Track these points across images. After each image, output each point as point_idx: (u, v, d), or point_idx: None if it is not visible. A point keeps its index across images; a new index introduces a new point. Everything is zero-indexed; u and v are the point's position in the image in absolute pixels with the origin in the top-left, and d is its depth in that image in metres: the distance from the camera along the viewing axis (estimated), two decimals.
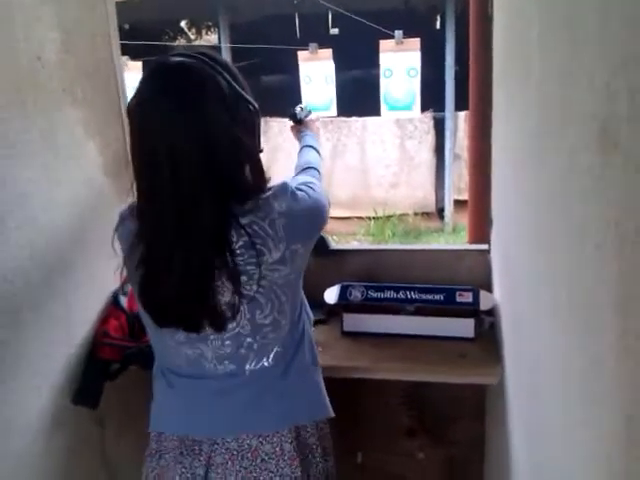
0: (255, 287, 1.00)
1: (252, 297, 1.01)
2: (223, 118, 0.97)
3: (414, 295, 1.51)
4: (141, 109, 0.97)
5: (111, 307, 1.51)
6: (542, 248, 0.84)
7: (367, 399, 1.84)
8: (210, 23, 11.68)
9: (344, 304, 1.55)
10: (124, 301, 1.51)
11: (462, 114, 7.97)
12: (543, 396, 0.86)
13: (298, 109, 1.65)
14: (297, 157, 1.44)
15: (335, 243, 1.84)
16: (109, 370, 1.45)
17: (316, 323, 1.66)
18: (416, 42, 6.02)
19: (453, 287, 1.53)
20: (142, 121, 0.97)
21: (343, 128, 8.25)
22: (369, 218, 8.27)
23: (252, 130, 1.05)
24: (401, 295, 1.52)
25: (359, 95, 8.00)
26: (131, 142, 0.99)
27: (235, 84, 1.01)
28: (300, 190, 1.05)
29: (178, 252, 0.96)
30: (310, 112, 1.70)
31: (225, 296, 0.99)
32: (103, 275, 1.50)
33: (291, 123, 1.66)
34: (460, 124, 8.03)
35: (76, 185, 1.48)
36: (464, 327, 1.50)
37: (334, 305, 1.57)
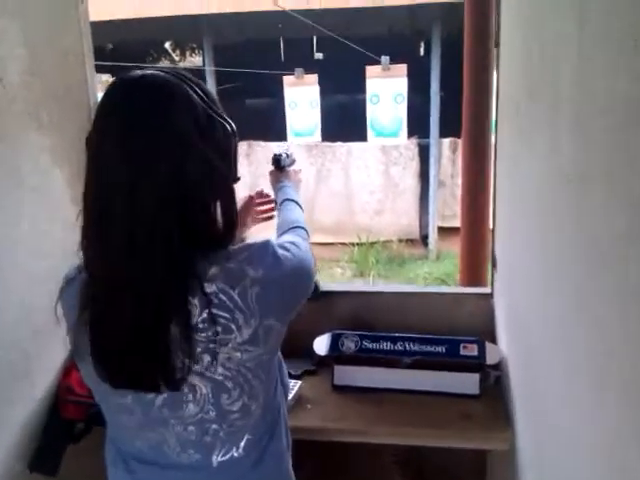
0: (220, 370, 0.84)
1: (216, 380, 0.85)
2: (192, 136, 0.83)
3: (413, 347, 1.37)
4: (94, 130, 0.83)
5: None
6: (559, 294, 0.72)
7: (359, 460, 1.68)
8: (194, 45, 11.63)
9: (336, 355, 1.41)
10: None
11: (446, 141, 7.96)
12: (566, 468, 0.72)
13: (284, 155, 1.48)
14: (279, 213, 1.29)
15: (323, 283, 1.70)
16: (72, 431, 1.28)
17: (304, 374, 1.52)
18: (403, 68, 6.01)
19: (456, 338, 1.39)
20: (96, 147, 0.83)
21: (327, 153, 8.18)
22: (353, 244, 8.16)
23: (227, 154, 0.90)
24: (399, 347, 1.37)
25: (344, 120, 7.96)
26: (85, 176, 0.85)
27: (208, 100, 0.88)
28: (283, 249, 0.90)
29: (128, 296, 0.81)
30: (294, 161, 1.54)
31: (180, 357, 0.84)
32: None
33: (271, 167, 1.49)
34: (444, 151, 8.01)
35: (40, 219, 1.33)
36: (468, 383, 1.36)
37: (325, 356, 1.42)
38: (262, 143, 8.04)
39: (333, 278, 7.64)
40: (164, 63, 11.75)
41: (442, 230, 8.20)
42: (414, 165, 8.05)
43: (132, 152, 0.80)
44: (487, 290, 1.58)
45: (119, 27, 7.67)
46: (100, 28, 7.44)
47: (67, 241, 1.37)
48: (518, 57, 1.12)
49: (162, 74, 0.86)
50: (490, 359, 1.35)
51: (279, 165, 1.45)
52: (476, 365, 1.36)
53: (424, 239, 8.33)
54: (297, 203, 1.31)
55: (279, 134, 7.22)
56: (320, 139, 6.86)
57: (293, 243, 0.94)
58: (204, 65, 8.96)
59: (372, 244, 8.10)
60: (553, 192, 0.84)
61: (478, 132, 2.61)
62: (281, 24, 7.92)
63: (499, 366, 1.41)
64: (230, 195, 0.90)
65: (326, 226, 8.05)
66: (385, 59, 5.18)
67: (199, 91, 0.87)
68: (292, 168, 1.50)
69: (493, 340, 1.54)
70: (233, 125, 0.92)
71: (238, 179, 0.94)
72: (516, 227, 1.23)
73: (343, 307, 1.63)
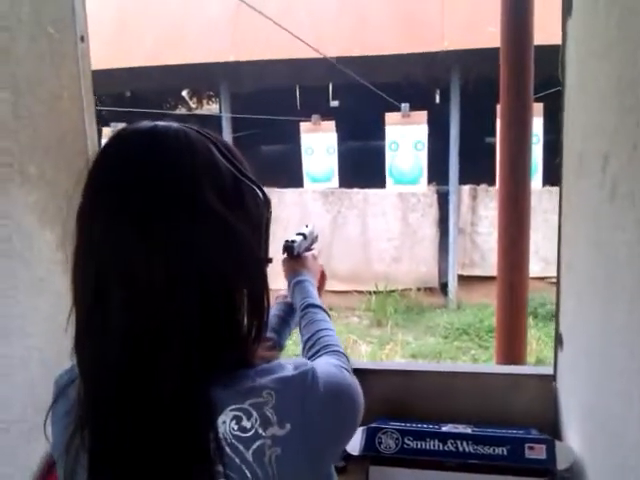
0: None
1: None
2: (217, 204, 0.64)
3: (468, 447, 1.12)
4: (82, 207, 0.64)
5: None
6: None
7: None
8: (211, 93, 11.73)
9: (372, 456, 1.16)
10: None
11: (466, 188, 7.79)
12: None
13: (299, 238, 1.21)
14: (303, 324, 1.04)
15: (352, 359, 1.47)
16: None
17: None
18: (423, 115, 5.90)
19: (519, 436, 1.15)
20: (86, 227, 0.63)
21: (344, 200, 8.04)
22: (370, 293, 7.92)
23: (258, 228, 0.71)
24: (449, 446, 1.13)
25: (361, 167, 7.86)
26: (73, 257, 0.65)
27: (235, 162, 0.69)
28: (330, 381, 0.67)
29: (129, 427, 0.61)
30: (316, 239, 1.29)
31: None
32: None
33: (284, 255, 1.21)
34: (464, 198, 7.83)
35: (23, 289, 1.13)
36: None
37: (358, 456, 1.18)
38: (277, 189, 7.93)
39: (349, 327, 7.39)
40: (181, 110, 11.85)
41: (461, 279, 7.95)
42: (433, 212, 7.87)
43: (141, 227, 0.62)
44: (549, 371, 1.34)
45: (137, 74, 7.72)
46: (119, 75, 7.51)
47: (56, 318, 1.18)
48: (603, 96, 0.92)
49: (175, 126, 0.67)
50: (561, 463, 1.10)
51: (292, 253, 1.19)
52: (543, 470, 1.11)
53: (443, 288, 8.07)
54: (324, 310, 1.06)
55: (296, 180, 7.11)
56: (337, 185, 6.73)
57: (336, 366, 0.73)
58: (221, 112, 8.96)
59: (390, 292, 7.87)
60: None
61: (517, 184, 2.41)
62: (297, 72, 7.90)
63: (570, 469, 1.16)
64: (263, 280, 0.69)
65: (342, 274, 7.85)
66: (405, 106, 5.06)
67: (223, 149, 0.69)
68: (311, 252, 1.25)
69: (556, 432, 1.29)
70: (266, 193, 0.72)
71: (270, 260, 0.74)
72: (595, 299, 1.01)
73: (377, 389, 1.39)
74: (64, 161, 1.24)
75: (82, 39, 1.30)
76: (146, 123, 0.67)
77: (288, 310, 1.19)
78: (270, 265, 0.75)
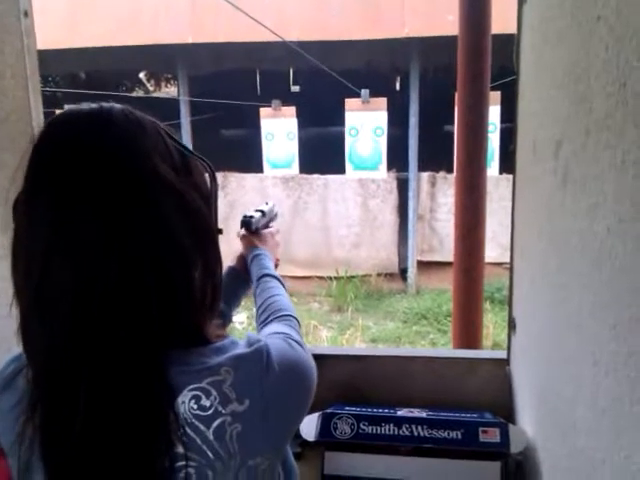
0: None
1: None
2: (174, 182, 0.63)
3: (422, 432, 1.13)
4: (28, 185, 0.61)
5: None
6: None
7: None
8: (169, 75, 11.47)
9: (327, 441, 1.16)
10: None
11: (425, 175, 7.87)
12: None
13: (257, 214, 1.22)
14: (257, 291, 1.06)
15: (308, 346, 1.46)
16: None
17: None
18: (383, 101, 5.92)
19: (473, 419, 1.16)
20: (31, 206, 0.61)
21: (304, 185, 8.02)
22: (330, 278, 7.96)
23: (208, 199, 0.72)
24: (405, 431, 1.13)
25: (321, 153, 7.84)
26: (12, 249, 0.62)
27: (175, 137, 0.69)
28: (280, 354, 0.67)
29: (83, 410, 0.59)
30: (275, 216, 1.30)
31: None
32: None
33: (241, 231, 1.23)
34: (423, 185, 7.91)
35: None
36: (487, 473, 1.13)
37: (314, 442, 1.17)
38: (237, 174, 7.85)
39: (310, 313, 7.41)
40: (138, 93, 11.57)
41: (420, 264, 8.06)
42: (392, 198, 7.93)
43: (96, 204, 0.60)
44: (502, 355, 1.36)
45: (91, 55, 7.48)
46: (73, 55, 7.25)
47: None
48: (556, 84, 0.92)
49: (121, 105, 0.66)
50: (515, 447, 1.12)
51: (250, 229, 1.20)
52: (498, 453, 1.13)
53: (403, 273, 8.17)
54: (278, 279, 1.08)
55: (255, 165, 7.04)
56: (298, 171, 6.70)
57: (288, 340, 0.72)
58: (179, 95, 8.78)
59: (350, 278, 7.91)
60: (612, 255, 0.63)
61: (473, 171, 2.44)
62: (257, 55, 7.80)
63: (523, 452, 1.18)
64: (217, 251, 0.70)
65: (302, 259, 7.86)
66: (365, 92, 5.06)
67: (165, 128, 0.68)
68: (269, 230, 1.26)
69: (510, 416, 1.31)
70: (211, 165, 0.73)
71: (220, 231, 0.74)
72: (547, 285, 1.02)
73: (333, 374, 1.39)
74: (8, 140, 1.18)
75: (25, 14, 1.24)
76: (88, 104, 0.65)
77: (236, 281, 1.19)
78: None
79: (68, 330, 0.59)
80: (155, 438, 0.59)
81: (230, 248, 1.22)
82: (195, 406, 0.61)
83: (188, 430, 0.60)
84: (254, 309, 1.04)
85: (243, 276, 1.18)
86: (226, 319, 1.13)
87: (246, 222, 1.20)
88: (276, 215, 1.33)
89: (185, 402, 0.61)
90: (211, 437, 0.60)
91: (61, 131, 0.63)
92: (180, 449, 0.60)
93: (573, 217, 0.82)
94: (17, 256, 0.62)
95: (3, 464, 1.08)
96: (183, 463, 0.60)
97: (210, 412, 0.61)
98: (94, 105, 0.65)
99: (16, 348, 0.66)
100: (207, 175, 0.73)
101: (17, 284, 0.62)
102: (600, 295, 0.69)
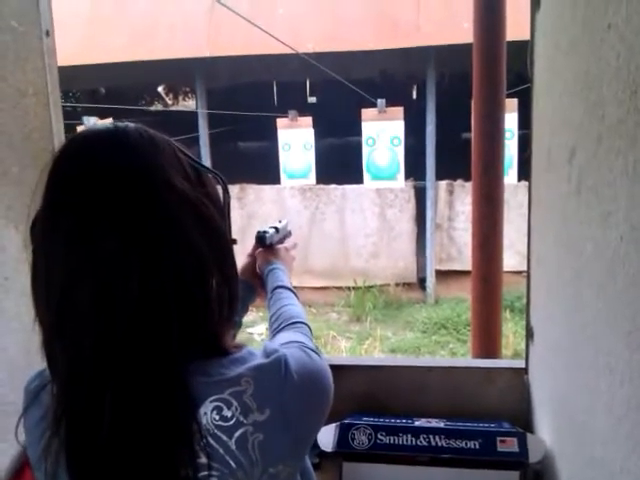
0: None
1: None
2: (190, 195, 0.65)
3: (440, 442, 1.12)
4: (47, 204, 0.63)
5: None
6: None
7: None
8: (187, 89, 11.63)
9: (345, 453, 1.16)
10: None
11: (442, 183, 7.84)
12: None
13: (271, 230, 1.25)
14: (270, 303, 1.08)
15: (324, 355, 1.46)
16: None
17: None
18: (399, 111, 5.91)
19: (491, 429, 1.15)
20: (52, 223, 0.62)
21: (322, 196, 8.03)
22: (348, 288, 7.94)
23: (223, 212, 0.74)
24: (422, 441, 1.13)
25: (338, 163, 7.85)
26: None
27: (188, 153, 0.71)
28: (298, 363, 0.68)
29: (108, 424, 0.60)
30: (288, 234, 1.33)
31: None
32: None
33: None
34: (441, 193, 7.88)
35: None
36: None
37: (332, 452, 1.18)
38: (255, 186, 7.90)
39: (328, 323, 7.40)
40: (157, 107, 11.73)
41: (439, 273, 8.01)
42: (410, 208, 7.90)
43: (114, 220, 0.62)
44: (521, 364, 1.35)
45: (111, 70, 7.60)
46: (92, 71, 7.37)
47: (22, 318, 1.16)
48: (569, 91, 0.92)
49: (135, 124, 0.68)
50: (533, 456, 1.11)
51: (264, 243, 1.23)
52: (515, 463, 1.12)
53: (421, 283, 8.12)
54: (292, 290, 1.10)
55: (272, 177, 7.08)
56: (314, 181, 6.72)
57: (304, 348, 0.72)
58: (197, 108, 8.88)
59: (368, 288, 7.89)
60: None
61: (490, 180, 2.43)
62: (274, 68, 7.87)
63: (541, 461, 1.17)
64: (233, 262, 0.71)
65: (320, 270, 7.86)
66: (381, 102, 5.07)
67: (177, 144, 0.70)
68: (284, 245, 1.29)
69: (528, 425, 1.30)
70: (223, 177, 0.75)
71: (235, 242, 0.75)
72: (562, 293, 1.02)
73: (351, 384, 1.39)
74: (30, 158, 1.21)
75: (47, 34, 1.27)
76: (102, 124, 0.67)
77: (242, 290, 1.22)
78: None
79: (91, 347, 0.60)
80: (179, 449, 0.60)
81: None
82: (217, 417, 0.62)
83: (211, 440, 0.61)
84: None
85: (249, 284, 1.22)
86: (235, 326, 1.15)
87: (260, 237, 1.23)
88: (289, 233, 1.36)
89: (207, 413, 0.62)
90: (233, 447, 0.61)
91: (78, 152, 0.65)
92: (203, 459, 0.61)
93: (587, 225, 0.82)
94: (36, 275, 0.63)
95: (30, 477, 1.10)
96: (206, 473, 0.61)
97: (232, 422, 0.62)
98: (110, 125, 0.67)
99: (41, 363, 0.68)
100: (220, 187, 0.74)
101: (38, 302, 0.64)
102: (614, 303, 0.69)
